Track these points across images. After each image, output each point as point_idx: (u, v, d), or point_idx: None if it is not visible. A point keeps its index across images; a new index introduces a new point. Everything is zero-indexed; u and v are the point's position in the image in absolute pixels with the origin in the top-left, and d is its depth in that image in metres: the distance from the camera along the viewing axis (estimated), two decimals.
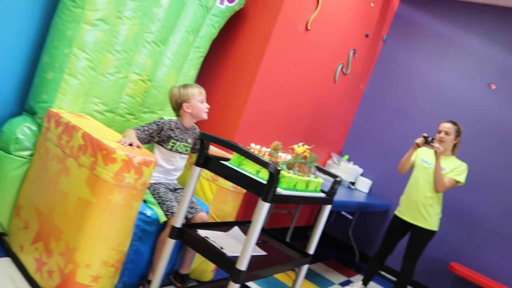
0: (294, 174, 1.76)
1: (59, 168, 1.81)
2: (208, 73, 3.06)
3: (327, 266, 3.68)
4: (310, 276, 3.27)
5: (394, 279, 3.96)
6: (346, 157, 4.44)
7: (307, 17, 3.12)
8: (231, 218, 2.42)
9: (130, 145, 1.78)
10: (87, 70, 2.11)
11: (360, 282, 3.26)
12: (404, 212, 3.02)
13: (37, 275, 1.81)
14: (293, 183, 1.73)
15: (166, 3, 2.35)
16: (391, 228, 3.12)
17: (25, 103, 2.15)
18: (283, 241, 2.20)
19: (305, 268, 2.07)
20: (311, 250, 2.07)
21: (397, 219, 3.08)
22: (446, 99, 4.04)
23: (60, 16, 2.05)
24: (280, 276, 3.01)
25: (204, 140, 1.73)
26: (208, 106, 2.23)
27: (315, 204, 2.44)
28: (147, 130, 2.08)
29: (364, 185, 4.25)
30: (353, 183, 4.27)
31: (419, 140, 2.95)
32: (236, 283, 1.54)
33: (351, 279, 3.59)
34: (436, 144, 2.81)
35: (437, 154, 2.80)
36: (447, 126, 2.90)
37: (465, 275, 3.44)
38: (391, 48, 4.43)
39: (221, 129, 2.92)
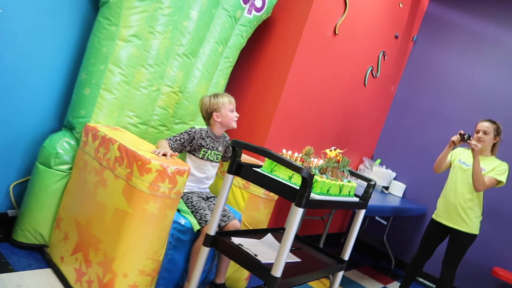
0: (327, 178, 1.74)
1: (96, 180, 1.87)
2: (238, 81, 3.09)
3: (362, 273, 3.60)
4: (344, 283, 3.22)
5: (433, 286, 3.83)
6: (378, 161, 4.37)
7: (335, 22, 3.11)
8: (264, 225, 2.42)
9: (164, 155, 1.82)
10: (121, 84, 2.18)
11: None
12: (442, 215, 2.92)
13: (77, 285, 1.86)
14: (326, 188, 1.72)
15: (195, 16, 2.40)
16: (428, 233, 3.03)
17: (64, 119, 2.25)
18: (317, 248, 2.18)
19: (340, 274, 2.04)
20: (346, 256, 2.04)
21: (434, 223, 2.98)
22: (481, 98, 3.90)
23: (96, 35, 2.14)
24: (315, 284, 2.97)
25: (236, 148, 1.74)
26: (237, 115, 2.25)
27: (349, 209, 2.38)
28: (179, 140, 2.12)
29: (398, 189, 4.15)
30: (386, 188, 4.18)
31: (455, 137, 2.84)
32: None
33: (388, 286, 3.50)
34: (473, 142, 2.71)
35: (474, 152, 2.70)
36: (485, 125, 2.80)
37: (510, 281, 3.28)
38: (422, 48, 4.34)
39: (252, 136, 2.93)
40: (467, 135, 2.80)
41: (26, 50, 2.08)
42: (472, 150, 2.71)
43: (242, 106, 2.99)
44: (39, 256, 2.09)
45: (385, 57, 3.95)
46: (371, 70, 3.82)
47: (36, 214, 2.06)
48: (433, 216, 3.01)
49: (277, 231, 2.21)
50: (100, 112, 2.13)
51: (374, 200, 3.34)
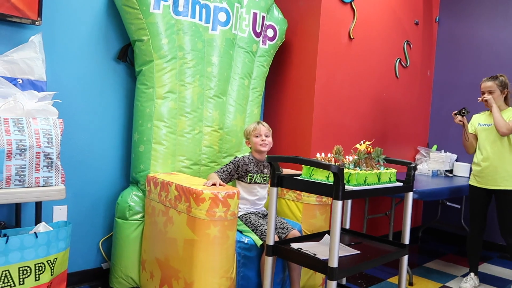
0: (362, 170, 1.87)
1: (164, 220, 2.16)
2: (272, 107, 3.33)
3: (446, 262, 3.52)
4: (428, 273, 3.17)
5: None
6: (435, 147, 4.30)
7: (347, 28, 3.27)
8: (324, 229, 2.53)
9: (214, 184, 2.06)
10: (168, 135, 2.49)
11: (472, 274, 2.99)
12: (482, 181, 2.88)
13: None
14: (362, 179, 1.84)
15: (217, 61, 2.70)
16: (473, 201, 2.97)
17: (129, 176, 2.60)
18: (379, 239, 2.25)
19: (405, 259, 2.10)
20: (406, 240, 2.11)
21: (476, 190, 2.93)
22: None
23: (138, 99, 2.50)
24: (394, 280, 2.98)
25: (272, 162, 1.94)
26: (263, 139, 2.41)
27: (392, 194, 2.41)
28: (226, 170, 2.36)
29: (463, 169, 4.03)
30: (450, 171, 4.09)
31: (459, 119, 2.95)
32: (332, 280, 1.66)
33: None
34: (479, 99, 2.88)
35: (489, 103, 2.81)
36: (488, 85, 2.85)
37: None
38: (447, 26, 4.32)
39: (297, 151, 3.11)
40: (463, 110, 2.94)
41: (89, 128, 2.49)
42: (487, 103, 2.82)
43: (281, 127, 3.21)
44: None
45: (411, 45, 3.99)
46: (400, 62, 3.88)
47: (124, 261, 2.38)
48: (471, 183, 2.97)
49: None
50: (156, 163, 2.45)
51: (434, 184, 3.33)
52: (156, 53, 2.44)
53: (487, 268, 3.44)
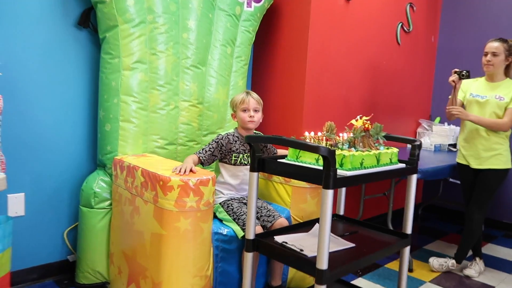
0: (357, 151, 1.58)
1: (131, 210, 1.88)
2: (261, 78, 3.01)
3: (448, 242, 3.29)
4: (429, 257, 2.93)
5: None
6: (438, 119, 4.00)
7: None
8: (315, 216, 2.27)
9: (192, 171, 1.76)
10: (138, 112, 2.19)
11: (477, 259, 2.75)
12: (468, 158, 2.62)
13: None
14: (358, 161, 1.55)
15: (194, 26, 2.36)
16: (462, 181, 2.74)
17: (96, 158, 2.31)
18: (377, 227, 1.99)
19: (406, 251, 1.84)
20: (408, 229, 1.84)
21: (463, 168, 2.68)
22: None
23: (103, 71, 2.18)
24: (393, 265, 2.75)
25: (252, 144, 1.65)
26: (251, 115, 2.08)
27: (393, 177, 2.11)
28: (209, 150, 2.06)
29: None
30: (454, 145, 3.81)
31: (452, 78, 2.57)
32: (321, 284, 1.40)
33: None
34: (454, 111, 2.52)
35: (464, 119, 2.55)
36: (494, 45, 2.48)
37: None
38: None
39: (287, 127, 2.81)
40: (464, 72, 2.54)
41: (47, 105, 2.17)
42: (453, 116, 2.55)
43: (271, 99, 2.89)
44: None
45: (414, 8, 3.63)
46: (402, 26, 3.52)
47: (90, 254, 2.12)
48: (458, 161, 2.71)
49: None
50: (125, 143, 2.16)
51: (437, 161, 3.06)
52: (121, 16, 2.10)
53: (492, 249, 3.22)
